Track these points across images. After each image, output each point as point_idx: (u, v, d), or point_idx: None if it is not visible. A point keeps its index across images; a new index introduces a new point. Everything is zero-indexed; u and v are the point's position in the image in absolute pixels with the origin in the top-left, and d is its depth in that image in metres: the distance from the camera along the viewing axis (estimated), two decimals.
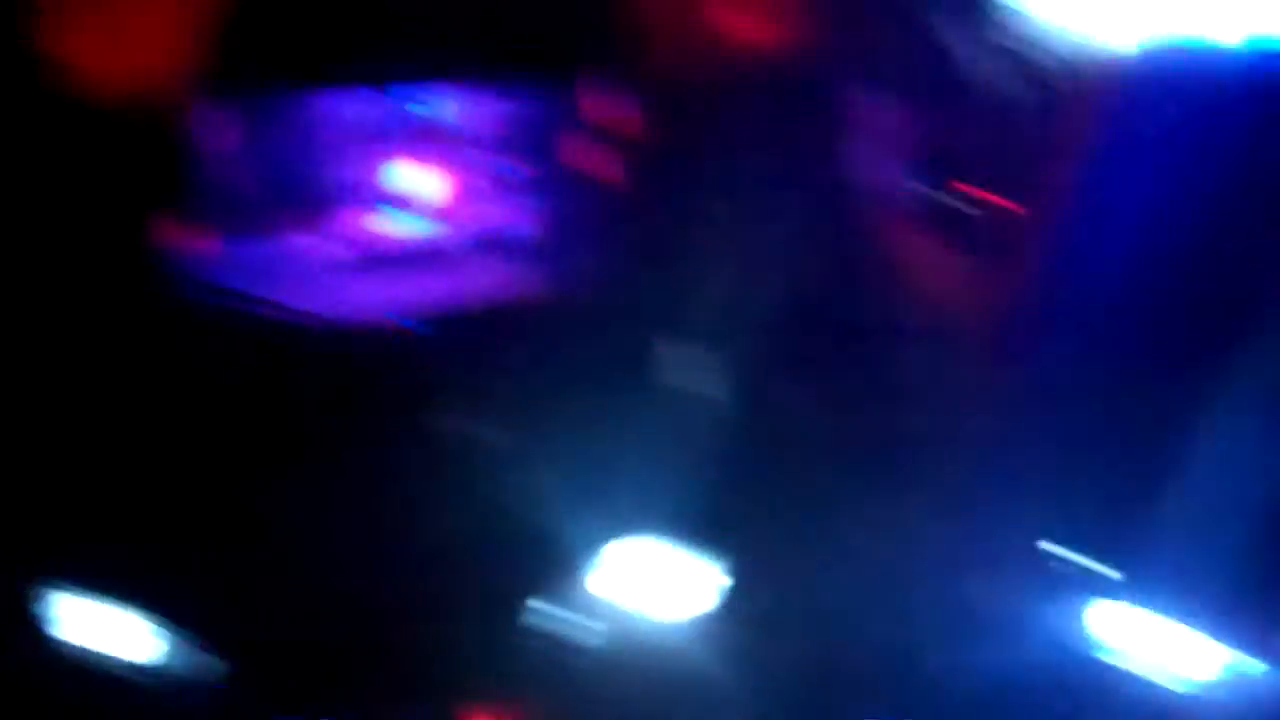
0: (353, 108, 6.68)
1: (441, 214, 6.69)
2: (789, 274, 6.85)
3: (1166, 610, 5.31)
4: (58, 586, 5.33)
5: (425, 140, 6.76)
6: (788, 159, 7.67)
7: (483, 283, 6.42)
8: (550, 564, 5.48)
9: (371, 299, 6.33)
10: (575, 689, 5.35)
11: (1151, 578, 5.36)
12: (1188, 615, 5.30)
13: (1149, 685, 5.28)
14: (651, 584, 5.51)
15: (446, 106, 6.74)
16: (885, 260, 6.99)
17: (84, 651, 5.30)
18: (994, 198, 6.46)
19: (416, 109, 6.76)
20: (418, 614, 5.33)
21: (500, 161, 6.81)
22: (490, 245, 6.62)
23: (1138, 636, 5.34)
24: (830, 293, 7.04)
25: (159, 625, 5.32)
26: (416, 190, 6.72)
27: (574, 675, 5.37)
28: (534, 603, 5.43)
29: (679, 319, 6.27)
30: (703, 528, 5.61)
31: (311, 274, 6.44)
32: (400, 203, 6.73)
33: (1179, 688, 5.25)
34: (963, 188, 6.59)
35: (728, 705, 5.34)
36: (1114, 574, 5.43)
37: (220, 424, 5.68)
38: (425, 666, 5.29)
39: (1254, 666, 5.18)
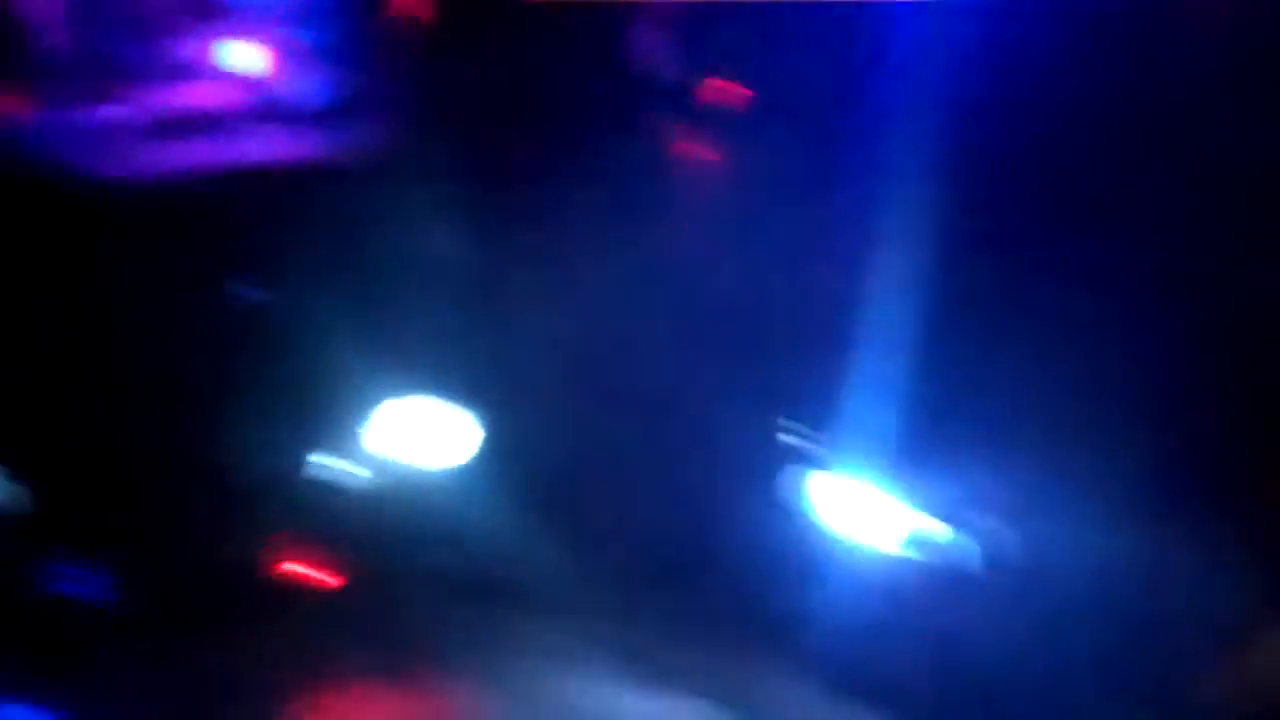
0: None
1: (241, 81, 7.13)
2: (555, 152, 7.46)
3: (864, 476, 5.88)
4: None
5: (225, 11, 7.21)
6: (563, 43, 8.20)
7: (275, 148, 6.88)
8: (326, 419, 6.06)
9: (172, 163, 6.72)
10: (349, 530, 5.98)
11: (850, 445, 5.92)
12: (883, 481, 5.89)
13: (846, 549, 5.84)
14: (418, 436, 6.13)
15: None
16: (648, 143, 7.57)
17: None
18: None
19: None
20: (203, 461, 5.90)
21: (295, 31, 7.25)
22: (285, 112, 7.07)
23: (840, 503, 5.91)
24: (593, 168, 7.63)
25: None
26: (219, 59, 7.16)
27: (349, 518, 6.00)
28: (310, 453, 6.01)
29: (449, 189, 6.82)
30: (464, 383, 6.23)
31: (117, 139, 6.83)
32: (204, 71, 7.15)
33: (872, 552, 5.82)
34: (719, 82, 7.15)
35: (488, 543, 6.02)
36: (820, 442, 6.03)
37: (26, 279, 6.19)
38: (213, 509, 5.88)
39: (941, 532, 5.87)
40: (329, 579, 6.03)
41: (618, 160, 7.40)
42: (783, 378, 6.18)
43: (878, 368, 5.89)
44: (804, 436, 6.05)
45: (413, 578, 6.00)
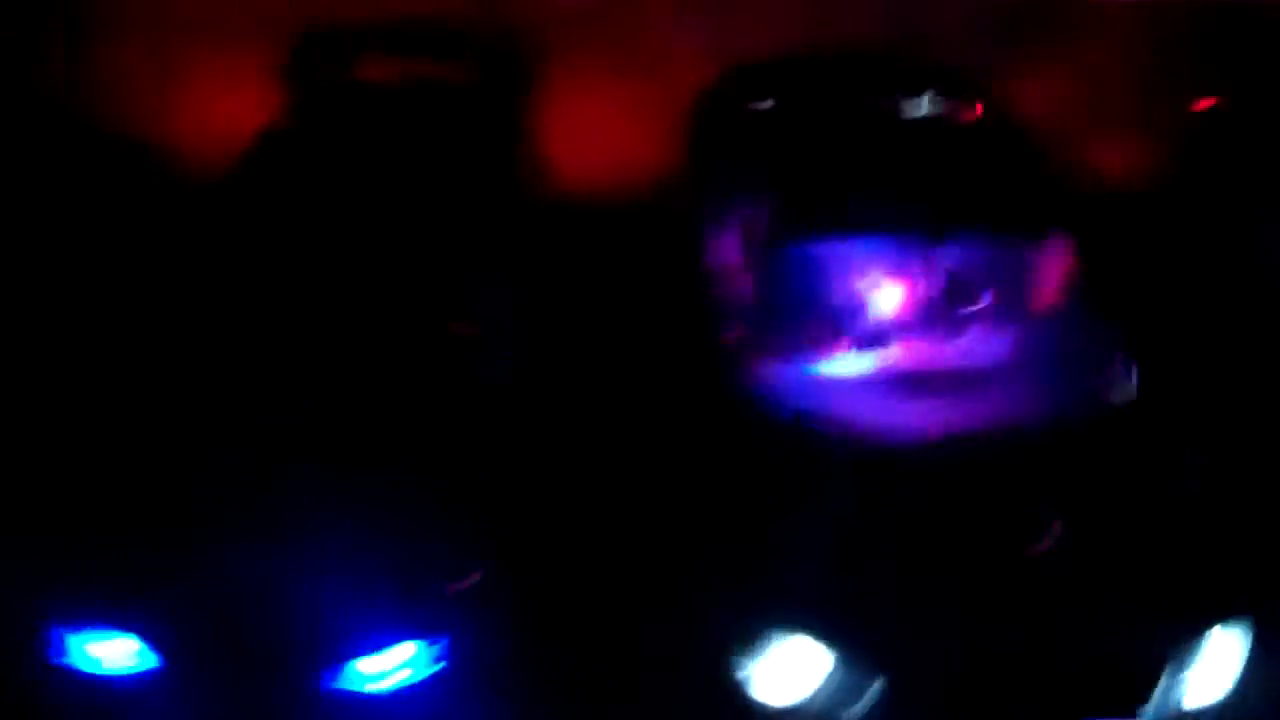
0: (860, 248, 7.93)
1: (938, 345, 7.84)
2: None
3: None
4: None
5: (921, 279, 7.95)
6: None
7: (987, 410, 7.38)
8: None
9: (903, 420, 7.33)
10: None
11: None
12: None
13: None
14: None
15: (936, 251, 7.98)
16: None
17: None
18: None
19: (916, 253, 7.96)
20: None
21: (983, 301, 7.96)
22: (982, 377, 7.64)
23: None
24: None
25: None
26: (919, 321, 7.87)
27: None
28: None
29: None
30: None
31: (844, 394, 7.48)
32: (903, 332, 7.85)
33: None
34: None
35: None
36: None
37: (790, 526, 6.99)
38: None
39: None
40: None
41: None
42: None
43: None
44: None
45: None
